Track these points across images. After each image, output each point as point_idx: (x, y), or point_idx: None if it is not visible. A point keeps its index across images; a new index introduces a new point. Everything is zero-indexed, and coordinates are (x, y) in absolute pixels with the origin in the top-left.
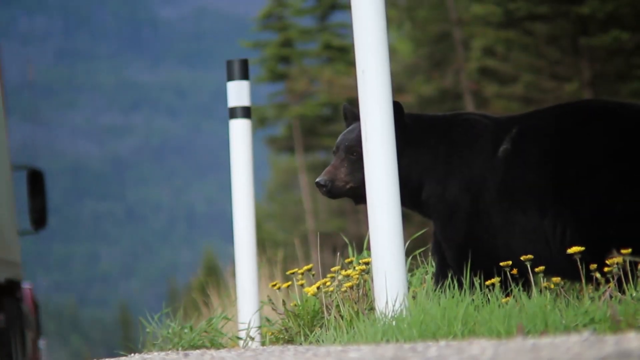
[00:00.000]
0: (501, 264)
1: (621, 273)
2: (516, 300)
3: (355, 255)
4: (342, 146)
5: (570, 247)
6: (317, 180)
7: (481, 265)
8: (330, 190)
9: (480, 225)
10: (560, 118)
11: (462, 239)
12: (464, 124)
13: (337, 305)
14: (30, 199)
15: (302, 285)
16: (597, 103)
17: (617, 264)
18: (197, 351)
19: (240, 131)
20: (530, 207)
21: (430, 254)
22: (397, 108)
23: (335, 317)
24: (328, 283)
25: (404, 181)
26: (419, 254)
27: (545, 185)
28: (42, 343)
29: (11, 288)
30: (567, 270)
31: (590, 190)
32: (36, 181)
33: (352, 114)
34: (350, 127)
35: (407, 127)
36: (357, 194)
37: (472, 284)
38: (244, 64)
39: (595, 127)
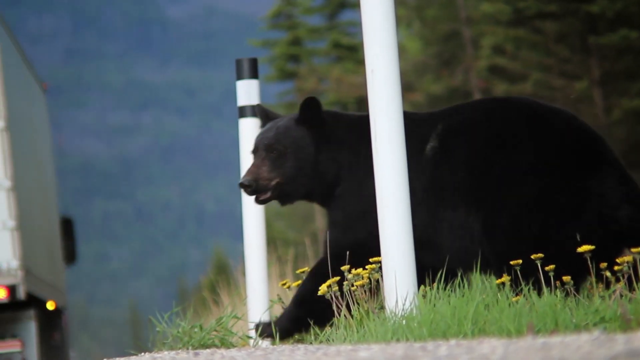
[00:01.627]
0: (511, 262)
1: (631, 272)
2: (526, 299)
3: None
4: (261, 145)
5: (496, 244)
6: (241, 181)
7: (357, 259)
8: (256, 190)
9: None
10: (488, 115)
11: (365, 234)
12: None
13: (347, 304)
14: (63, 241)
15: None
16: (523, 102)
17: (627, 262)
18: (207, 350)
19: (249, 130)
20: (458, 205)
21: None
22: (313, 103)
23: (345, 316)
24: None
25: (321, 176)
26: None
27: (473, 184)
28: (72, 355)
29: (61, 311)
30: (494, 267)
31: (515, 194)
32: (67, 227)
33: (264, 114)
34: (267, 126)
35: (325, 123)
36: (284, 192)
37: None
38: (253, 62)
39: (527, 129)
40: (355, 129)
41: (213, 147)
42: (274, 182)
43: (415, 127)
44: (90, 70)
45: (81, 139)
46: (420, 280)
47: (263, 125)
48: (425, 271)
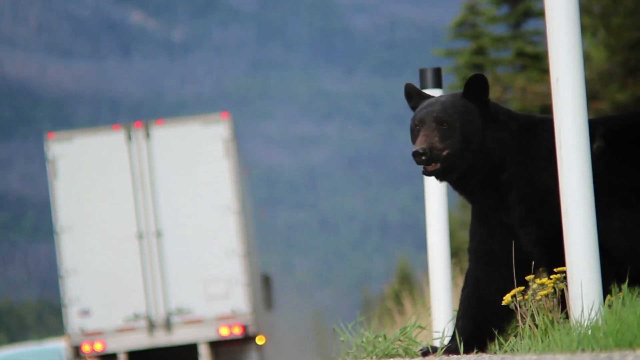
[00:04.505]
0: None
1: None
2: None
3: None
4: (429, 118)
5: None
6: (415, 149)
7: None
8: (430, 158)
9: None
10: None
11: (559, 220)
12: (546, 121)
13: (532, 314)
14: (264, 291)
15: None
16: None
17: None
18: None
19: None
20: (636, 205)
21: (471, 248)
22: (482, 80)
23: (529, 325)
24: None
25: (486, 154)
26: None
27: None
28: None
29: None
30: None
31: None
32: (267, 281)
33: (417, 92)
34: (429, 101)
35: (489, 103)
36: (451, 165)
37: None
38: (437, 72)
39: None
40: (517, 120)
41: (397, 156)
42: (444, 153)
43: None
44: (275, 81)
45: (266, 150)
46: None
47: (414, 104)
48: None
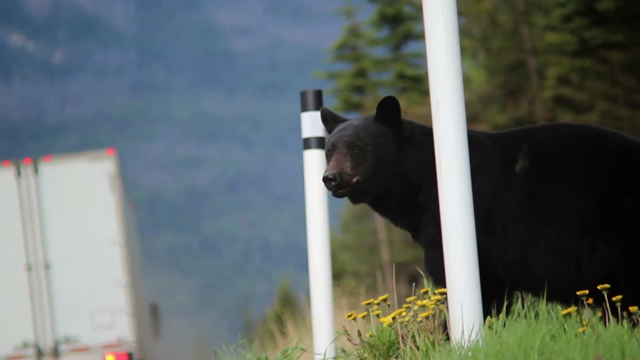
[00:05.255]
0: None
1: None
2: (593, 330)
3: (431, 285)
4: (341, 142)
5: (609, 272)
6: (325, 174)
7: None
8: (340, 184)
9: (490, 239)
10: (572, 138)
11: None
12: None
13: (413, 336)
14: (151, 321)
15: (378, 315)
16: (599, 129)
17: None
18: None
19: (314, 162)
20: (569, 225)
21: (428, 273)
22: (392, 102)
23: (410, 347)
24: (404, 313)
25: (403, 176)
26: None
27: (588, 206)
28: None
29: None
30: (592, 293)
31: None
32: (155, 311)
33: (332, 117)
34: (342, 125)
35: (402, 124)
36: (362, 190)
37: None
38: (318, 94)
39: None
40: (431, 136)
41: (278, 178)
42: (354, 179)
43: (494, 148)
44: (157, 103)
45: (147, 172)
46: (510, 297)
47: (330, 128)
48: (515, 288)
